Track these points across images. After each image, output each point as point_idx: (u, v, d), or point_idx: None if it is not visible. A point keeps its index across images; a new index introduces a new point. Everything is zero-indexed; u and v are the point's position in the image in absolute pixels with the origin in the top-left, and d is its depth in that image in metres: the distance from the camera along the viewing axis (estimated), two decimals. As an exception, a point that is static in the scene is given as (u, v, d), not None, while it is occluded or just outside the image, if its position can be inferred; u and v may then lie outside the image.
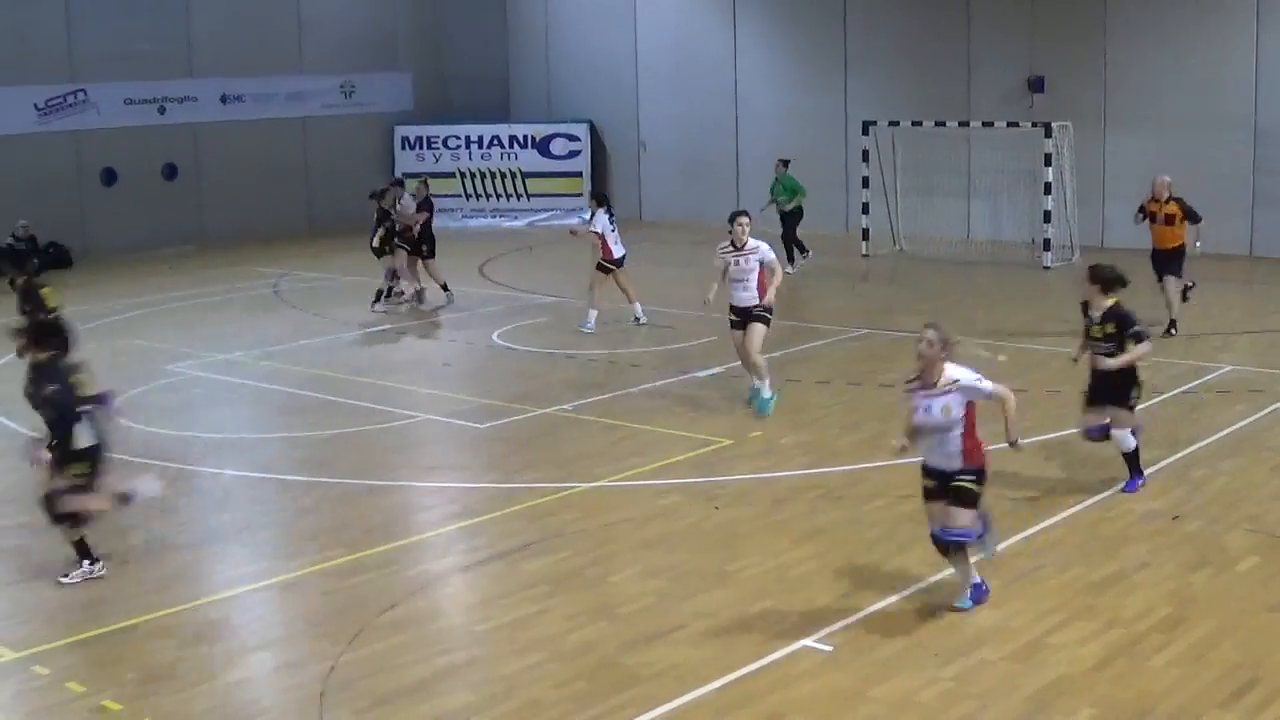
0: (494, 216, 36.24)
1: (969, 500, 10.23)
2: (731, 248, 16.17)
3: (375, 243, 23.96)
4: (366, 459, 15.07)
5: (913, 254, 28.59)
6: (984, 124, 28.59)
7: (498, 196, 37.07)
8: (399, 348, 21.58)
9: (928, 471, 10.35)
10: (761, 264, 16.01)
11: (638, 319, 21.68)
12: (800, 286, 25.32)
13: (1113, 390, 12.79)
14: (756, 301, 15.96)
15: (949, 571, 10.90)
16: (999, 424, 10.44)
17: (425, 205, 24.47)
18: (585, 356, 19.76)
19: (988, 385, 10.20)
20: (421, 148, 37.47)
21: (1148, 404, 15.92)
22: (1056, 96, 28.95)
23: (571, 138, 36.99)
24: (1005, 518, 12.22)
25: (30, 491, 14.23)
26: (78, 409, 11.56)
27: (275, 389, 18.65)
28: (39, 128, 31.24)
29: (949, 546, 10.24)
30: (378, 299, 23.90)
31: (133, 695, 9.26)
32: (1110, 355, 12.60)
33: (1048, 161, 27.01)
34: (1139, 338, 12.55)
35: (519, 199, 36.97)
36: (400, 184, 25.16)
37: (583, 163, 36.92)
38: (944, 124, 28.84)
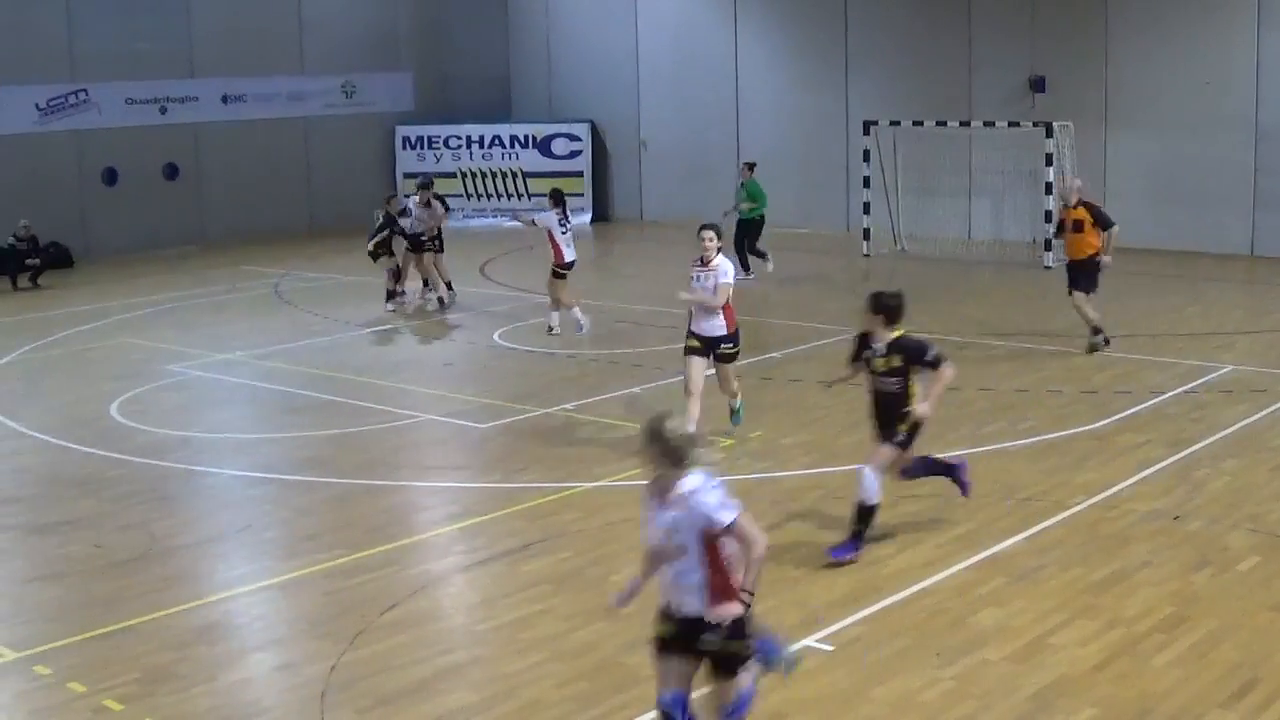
0: (495, 216, 36.21)
1: (738, 662, 7.45)
2: (700, 263, 14.67)
3: (371, 248, 24.05)
4: (367, 459, 15.07)
5: (914, 254, 28.59)
6: (985, 124, 28.59)
7: (499, 196, 37.05)
8: (400, 348, 21.59)
9: (665, 614, 7.55)
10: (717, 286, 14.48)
11: (580, 326, 20.83)
12: (801, 287, 25.33)
13: (882, 423, 11.59)
14: (723, 332, 14.61)
15: (951, 570, 10.91)
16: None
17: (441, 204, 24.87)
18: (586, 356, 19.76)
19: (728, 516, 7.24)
20: (422, 148, 37.46)
21: (1150, 403, 15.96)
22: (1058, 96, 28.95)
23: (573, 137, 36.97)
24: (1006, 518, 12.25)
25: (30, 491, 14.28)
26: None
27: (276, 389, 18.65)
28: (40, 127, 31.24)
29: None
30: (390, 298, 24.01)
31: (134, 695, 9.26)
32: (896, 391, 11.35)
33: (1049, 161, 27.01)
34: (937, 364, 11.21)
35: (520, 199, 36.93)
36: (418, 189, 25.29)
37: (584, 162, 36.91)
38: (945, 123, 28.84)
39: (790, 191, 33.09)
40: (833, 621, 10.05)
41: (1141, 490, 12.97)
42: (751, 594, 7.28)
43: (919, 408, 11.24)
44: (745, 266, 25.49)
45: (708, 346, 14.69)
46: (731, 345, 14.67)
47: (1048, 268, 26.53)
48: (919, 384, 11.40)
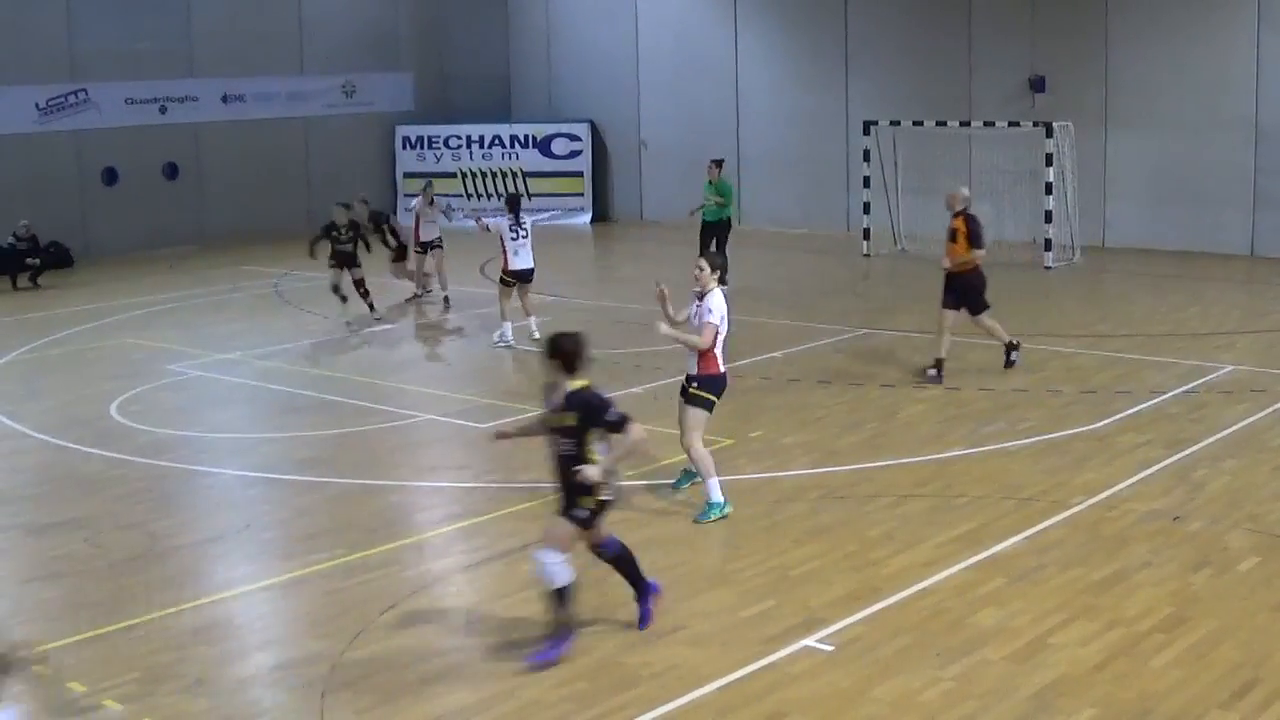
0: (495, 216, 36.16)
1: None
2: (699, 298, 12.81)
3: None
4: (367, 459, 15.07)
5: (914, 254, 28.57)
6: (985, 124, 28.60)
7: (499, 196, 37.02)
8: (400, 348, 21.58)
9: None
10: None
11: (532, 333, 20.23)
12: (802, 286, 25.33)
13: (564, 491, 9.77)
14: (694, 371, 12.62)
15: (952, 570, 10.93)
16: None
17: (377, 218, 25.51)
18: (604, 355, 19.70)
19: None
20: (422, 148, 37.47)
21: (1150, 403, 15.97)
22: (1058, 96, 28.96)
23: (573, 137, 36.97)
24: (1006, 518, 12.25)
25: (29, 490, 14.28)
26: None
27: (276, 389, 18.65)
28: (40, 127, 31.23)
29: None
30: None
31: (134, 695, 9.26)
32: (571, 454, 9.56)
33: (1049, 161, 27.01)
34: (620, 426, 9.54)
35: (521, 199, 36.88)
36: (365, 200, 25.64)
37: (584, 162, 36.91)
38: (945, 123, 28.85)
39: (790, 191, 33.16)
40: (833, 621, 10.04)
41: (1141, 490, 12.96)
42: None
43: (586, 470, 9.42)
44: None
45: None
46: (699, 387, 12.48)
47: (1047, 268, 26.54)
48: (600, 449, 9.67)
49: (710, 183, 25.02)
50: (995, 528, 12.00)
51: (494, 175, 37.23)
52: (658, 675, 9.25)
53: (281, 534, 12.81)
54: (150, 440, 15.99)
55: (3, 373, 20.25)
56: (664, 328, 12.47)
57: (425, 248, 24.49)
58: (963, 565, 11.13)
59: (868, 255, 28.86)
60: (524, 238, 20.60)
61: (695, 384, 12.46)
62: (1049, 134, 26.96)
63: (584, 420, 9.53)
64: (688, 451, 12.41)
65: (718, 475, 12.40)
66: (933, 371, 17.49)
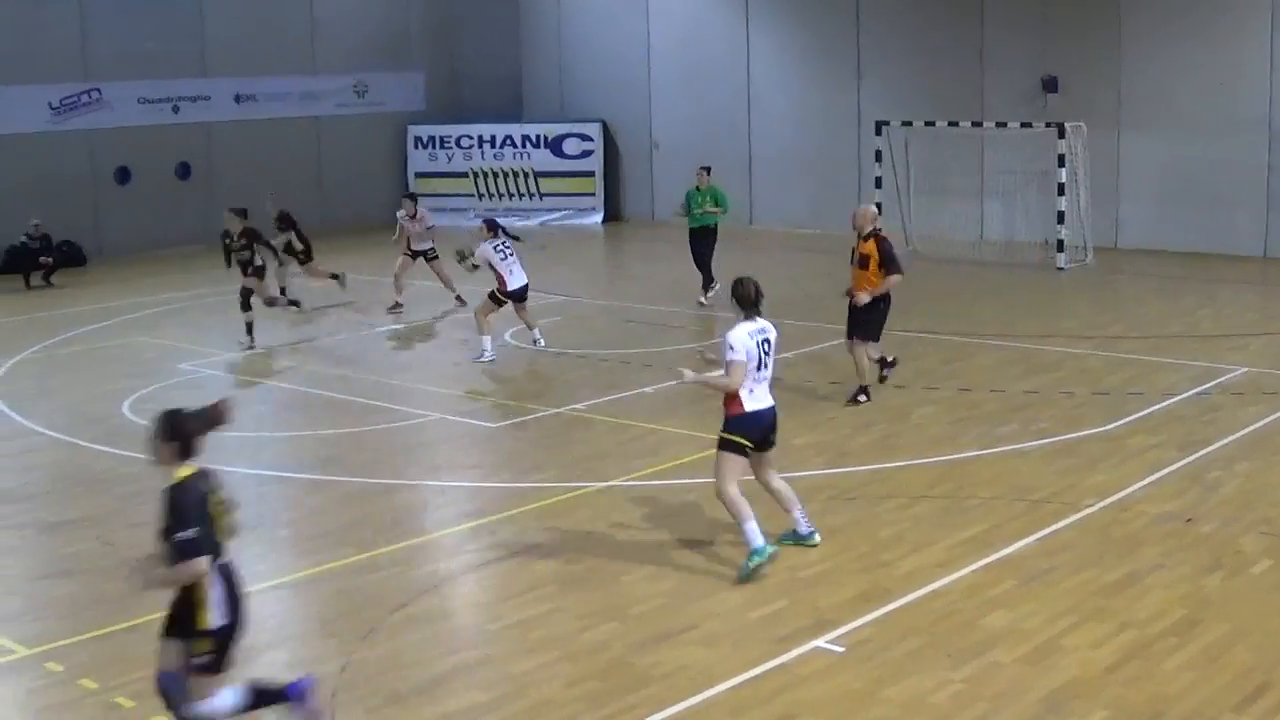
0: (506, 216, 36.24)
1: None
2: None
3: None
4: (378, 457, 15.08)
5: (925, 254, 28.53)
6: (997, 124, 28.52)
7: (510, 196, 37.06)
8: (411, 347, 21.59)
9: None
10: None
11: (536, 341, 20.19)
12: (812, 287, 25.30)
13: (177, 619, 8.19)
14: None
15: (963, 572, 10.91)
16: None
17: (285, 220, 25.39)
18: (597, 356, 19.75)
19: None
20: (434, 147, 37.48)
21: (1162, 405, 15.94)
22: (1070, 96, 28.89)
23: (584, 137, 36.96)
24: (1018, 520, 12.23)
25: (42, 488, 14.30)
26: None
27: (286, 387, 18.67)
28: (53, 126, 31.28)
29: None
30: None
31: (145, 692, 9.22)
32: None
33: (1061, 162, 26.97)
34: (185, 552, 7.97)
35: (531, 198, 36.97)
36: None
37: (595, 162, 36.90)
38: (957, 124, 28.80)
39: (801, 192, 33.14)
40: (844, 622, 10.03)
41: (1154, 492, 12.93)
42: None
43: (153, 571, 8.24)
44: (707, 283, 23.67)
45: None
46: (723, 429, 11.20)
47: (1060, 269, 26.51)
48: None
49: (699, 189, 23.92)
50: (1007, 529, 11.98)
51: (505, 175, 37.23)
52: (668, 675, 9.24)
53: (293, 532, 12.82)
54: (161, 439, 15.98)
55: (15, 371, 20.28)
56: (688, 374, 11.34)
57: (415, 256, 24.26)
58: (974, 567, 11.11)
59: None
60: (512, 255, 19.98)
61: (722, 426, 11.20)
62: (1061, 134, 26.91)
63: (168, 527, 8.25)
64: (719, 498, 11.24)
65: (755, 519, 11.19)
66: (864, 398, 16.51)
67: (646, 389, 17.50)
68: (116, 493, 13.97)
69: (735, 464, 11.18)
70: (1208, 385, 17.02)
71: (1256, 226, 27.35)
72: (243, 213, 22.33)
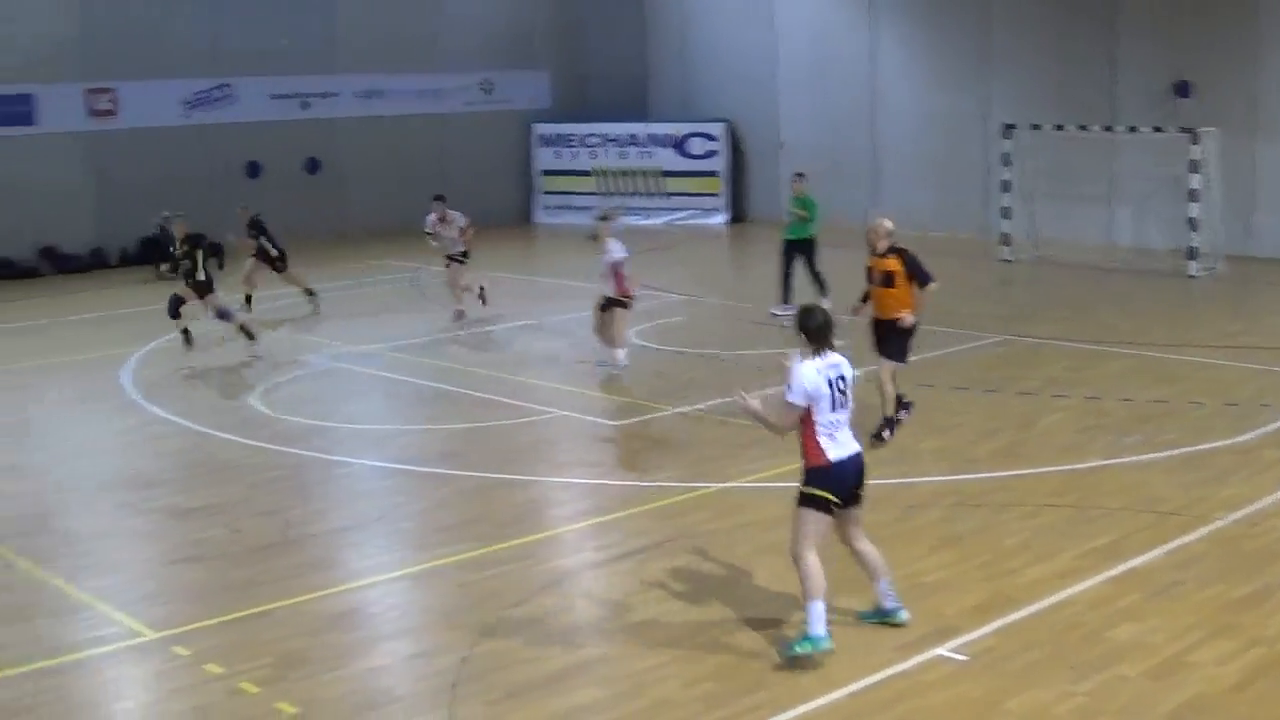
0: (631, 215, 36.33)
1: None
2: None
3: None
4: (500, 453, 15.17)
5: (1053, 259, 28.17)
6: (1129, 129, 28.10)
7: (635, 195, 37.09)
8: (535, 344, 21.66)
9: None
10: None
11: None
12: (938, 291, 25.04)
13: None
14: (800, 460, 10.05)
15: (1088, 583, 10.77)
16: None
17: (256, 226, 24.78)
18: (721, 356, 19.73)
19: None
20: (559, 145, 37.64)
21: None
22: (1203, 101, 28.37)
23: (709, 137, 36.92)
24: (1145, 531, 12.04)
25: (172, 475, 14.56)
26: None
27: (411, 381, 18.84)
28: (185, 121, 31.86)
29: None
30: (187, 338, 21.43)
31: (269, 678, 9.40)
32: None
33: (1194, 168, 26.50)
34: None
35: (656, 197, 36.99)
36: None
37: (720, 162, 36.83)
38: (1087, 128, 28.40)
39: (927, 194, 32.84)
40: (966, 631, 9.93)
41: None
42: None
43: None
44: (821, 289, 22.31)
45: None
46: (802, 481, 9.78)
47: (1191, 277, 26.05)
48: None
49: (795, 197, 23.34)
50: (1134, 541, 11.79)
51: (630, 174, 37.29)
52: (788, 678, 9.21)
53: (415, 525, 12.94)
54: (288, 429, 16.24)
55: (145, 360, 20.65)
56: (748, 400, 9.82)
57: (450, 260, 23.45)
58: (1099, 578, 10.94)
59: (1007, 260, 28.51)
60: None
61: (802, 479, 9.73)
62: (1194, 140, 26.45)
63: None
64: (794, 562, 9.67)
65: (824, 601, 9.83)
66: (887, 433, 15.07)
67: (767, 390, 17.42)
68: (245, 481, 14.20)
69: (818, 524, 9.64)
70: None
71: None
72: (180, 217, 21.59)
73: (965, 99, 32.32)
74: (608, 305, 18.61)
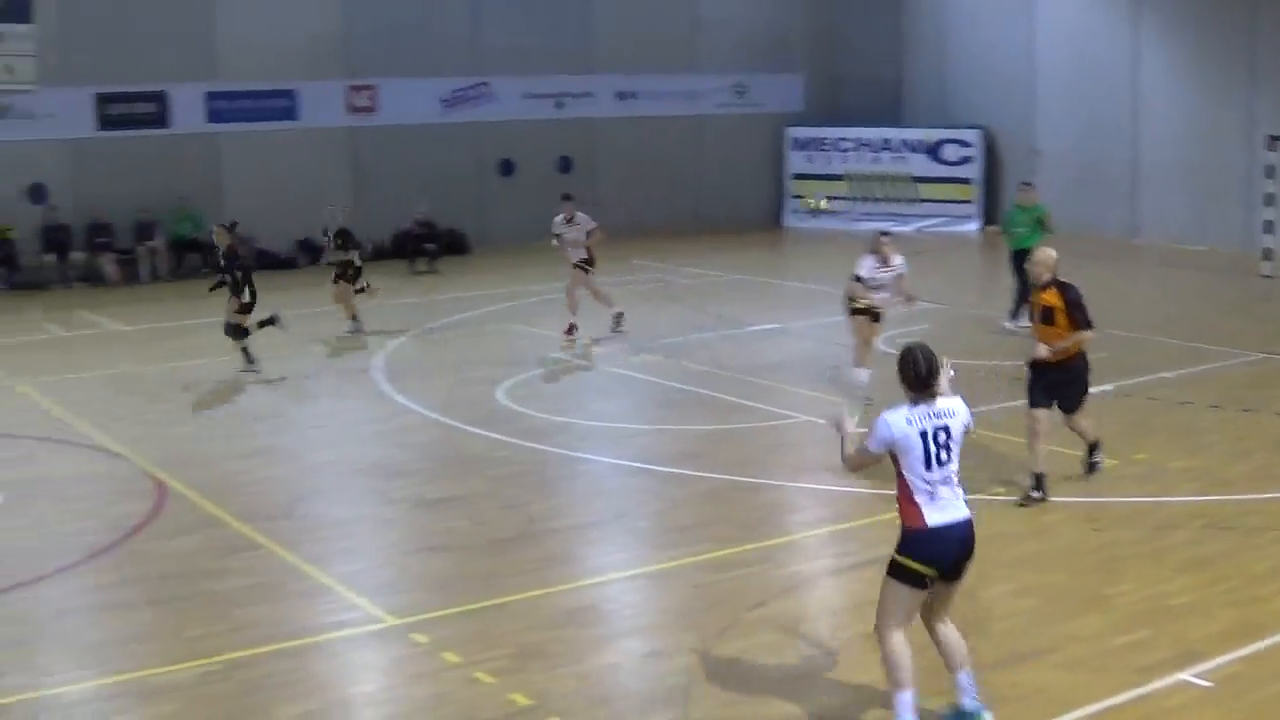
0: (883, 220, 35.96)
1: None
2: None
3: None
4: (741, 455, 15.15)
5: (1318, 277, 27.14)
6: None
7: (886, 200, 36.74)
8: (782, 347, 21.57)
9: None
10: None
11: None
12: (1195, 305, 24.37)
13: None
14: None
15: (1346, 614, 10.34)
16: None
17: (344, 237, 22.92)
18: (972, 366, 19.40)
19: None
20: (812, 149, 37.48)
21: None
22: None
23: (963, 144, 36.37)
24: None
25: (418, 466, 14.87)
26: None
27: (654, 381, 18.94)
28: (442, 119, 32.57)
29: None
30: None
31: (505, 669, 9.52)
32: None
33: None
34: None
35: (908, 203, 36.59)
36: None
37: (974, 169, 36.27)
38: (1361, 142, 27.27)
39: (1187, 205, 31.93)
40: (1212, 656, 9.60)
41: None
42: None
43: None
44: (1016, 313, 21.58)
45: None
46: (896, 546, 8.70)
47: None
48: None
49: (1020, 207, 22.54)
50: (1398, 571, 11.28)
51: (881, 180, 36.95)
52: (1025, 697, 9.02)
53: (654, 524, 13.00)
54: (532, 425, 16.46)
55: (398, 352, 21.14)
56: (844, 422, 9.19)
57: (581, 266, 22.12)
58: (1358, 608, 10.50)
59: (1267, 276, 27.53)
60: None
61: (897, 544, 8.61)
62: None
63: None
64: (879, 643, 8.55)
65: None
66: (1037, 494, 13.21)
67: (1015, 403, 17.10)
68: (489, 474, 14.43)
69: (907, 599, 8.48)
70: None
71: None
72: (230, 227, 20.18)
73: (1229, 110, 31.29)
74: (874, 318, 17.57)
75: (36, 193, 28.97)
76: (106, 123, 29.60)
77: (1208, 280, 26.69)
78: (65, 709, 9.25)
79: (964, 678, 8.53)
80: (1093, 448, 13.87)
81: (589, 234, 22.20)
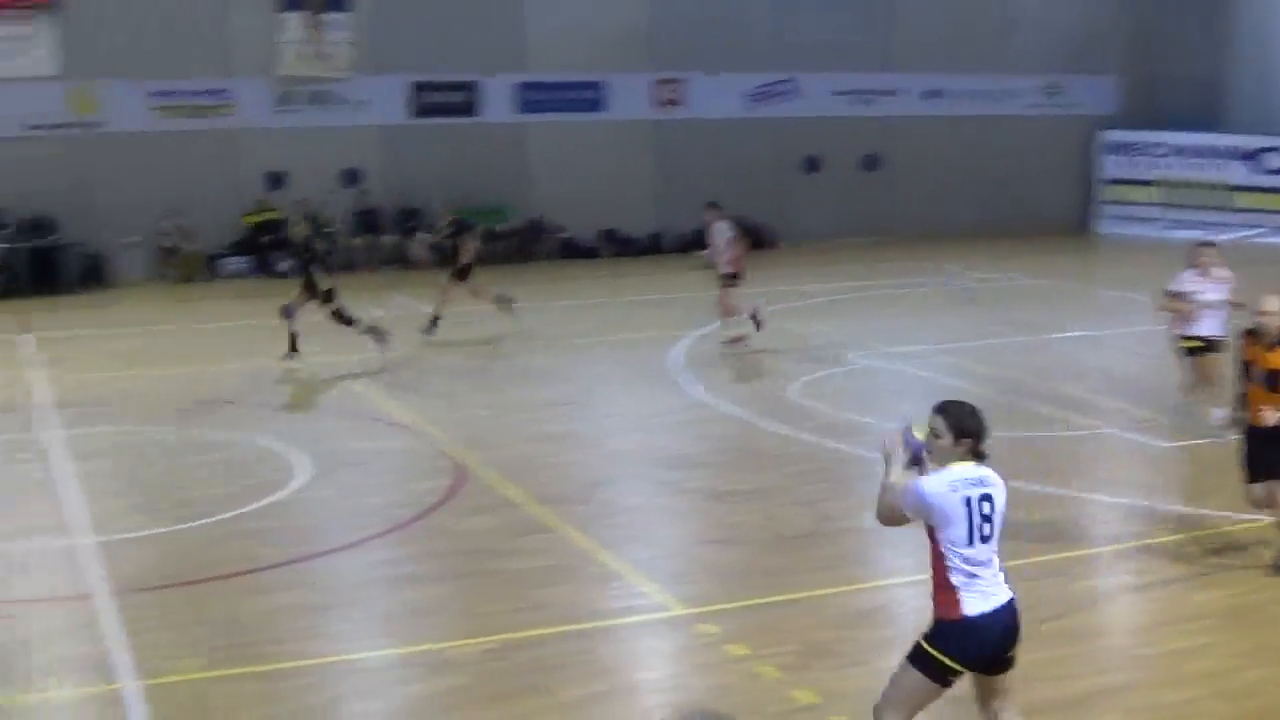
0: (1196, 229, 34.72)
1: None
2: None
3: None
4: (1040, 464, 14.77)
5: None
6: None
7: (1200, 209, 35.45)
8: (1088, 354, 21.00)
9: None
10: None
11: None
12: None
13: None
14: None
15: None
16: None
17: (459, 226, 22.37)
18: None
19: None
20: (1124, 154, 36.42)
21: None
22: None
23: (1288, 152, 34.90)
24: None
25: (713, 458, 14.91)
26: None
27: (952, 384, 18.62)
28: (747, 114, 32.66)
29: None
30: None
31: (791, 665, 9.47)
32: None
33: None
34: None
35: (1223, 213, 35.25)
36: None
37: (1297, 180, 34.77)
38: None
39: None
40: None
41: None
42: None
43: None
44: None
45: None
46: (925, 634, 7.53)
47: None
48: None
49: None
50: None
51: (1194, 187, 35.67)
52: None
53: (948, 529, 12.76)
54: (828, 423, 16.37)
55: (695, 344, 21.26)
56: (896, 459, 8.08)
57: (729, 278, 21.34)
58: None
59: None
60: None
61: (928, 629, 7.43)
62: None
63: None
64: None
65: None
66: None
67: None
68: (784, 470, 14.41)
69: (922, 694, 7.35)
70: None
71: None
72: (312, 219, 20.12)
73: None
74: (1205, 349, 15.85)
75: (350, 176, 29.98)
76: (419, 111, 30.48)
77: None
78: (364, 675, 9.55)
79: None
80: None
81: (726, 244, 21.34)
